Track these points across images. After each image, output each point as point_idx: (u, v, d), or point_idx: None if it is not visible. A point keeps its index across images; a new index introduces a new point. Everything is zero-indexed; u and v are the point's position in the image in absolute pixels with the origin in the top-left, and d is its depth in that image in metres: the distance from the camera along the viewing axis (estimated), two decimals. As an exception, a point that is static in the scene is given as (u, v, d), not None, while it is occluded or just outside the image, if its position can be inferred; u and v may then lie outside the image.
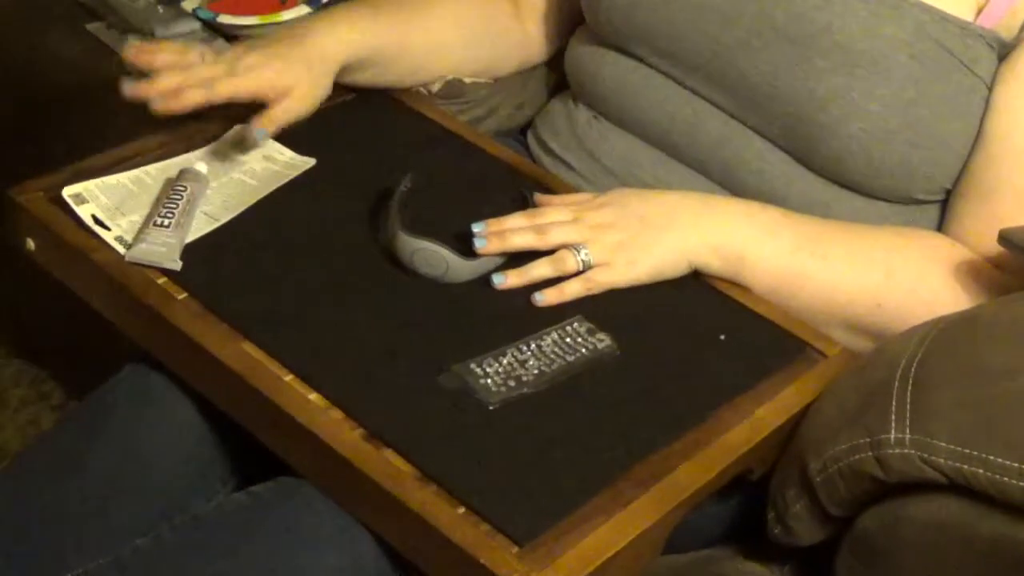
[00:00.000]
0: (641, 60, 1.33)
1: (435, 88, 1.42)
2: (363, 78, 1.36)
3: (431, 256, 1.14)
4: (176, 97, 1.19)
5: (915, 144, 1.20)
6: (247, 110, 1.31)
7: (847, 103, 1.19)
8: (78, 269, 1.17)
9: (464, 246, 1.15)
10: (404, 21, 1.37)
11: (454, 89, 1.43)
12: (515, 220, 1.18)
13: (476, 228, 1.16)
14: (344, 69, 1.31)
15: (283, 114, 1.24)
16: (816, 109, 1.20)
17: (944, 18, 1.17)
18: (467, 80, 1.44)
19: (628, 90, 1.34)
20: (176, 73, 1.20)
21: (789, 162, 1.27)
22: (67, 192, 1.19)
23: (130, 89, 1.19)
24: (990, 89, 1.19)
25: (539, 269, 1.15)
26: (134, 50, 1.24)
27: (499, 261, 1.16)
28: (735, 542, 1.22)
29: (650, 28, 1.29)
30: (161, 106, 1.19)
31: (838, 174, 1.24)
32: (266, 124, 1.23)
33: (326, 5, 1.56)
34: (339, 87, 1.41)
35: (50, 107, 1.61)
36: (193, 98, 1.19)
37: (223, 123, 1.32)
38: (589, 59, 1.39)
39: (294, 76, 1.24)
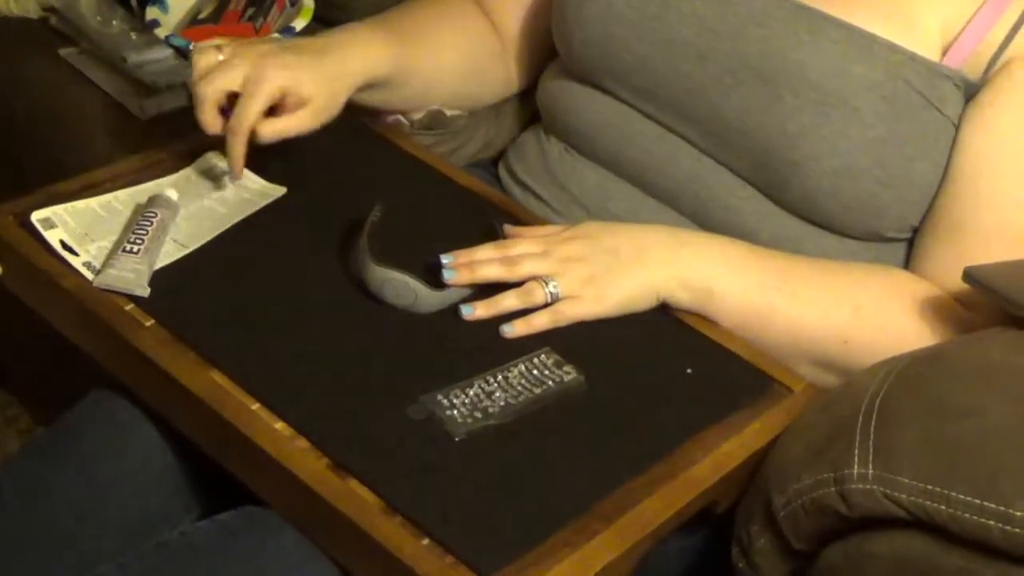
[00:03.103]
0: (614, 95, 1.34)
1: (417, 117, 1.42)
2: (374, 99, 1.35)
3: (400, 286, 1.14)
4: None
5: (884, 182, 1.21)
6: (219, 138, 1.32)
7: (818, 141, 1.20)
8: (46, 294, 1.16)
9: (433, 276, 1.15)
10: (417, 45, 1.36)
11: (436, 120, 1.43)
12: (484, 251, 1.18)
13: (445, 259, 1.16)
14: (360, 87, 1.31)
15: (293, 125, 1.23)
16: (787, 146, 1.21)
17: (912, 58, 1.19)
18: (448, 113, 1.44)
19: (600, 124, 1.35)
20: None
21: (760, 198, 1.27)
22: (35, 216, 1.18)
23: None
24: (957, 129, 1.20)
25: (507, 301, 1.16)
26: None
27: (467, 292, 1.17)
28: (700, 576, 1.22)
29: (624, 65, 1.30)
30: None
31: (808, 211, 1.25)
32: (270, 134, 1.22)
33: (299, 34, 1.56)
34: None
35: (23, 132, 1.60)
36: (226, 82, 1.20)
37: (194, 150, 1.32)
38: (562, 93, 1.39)
39: (316, 88, 1.23)
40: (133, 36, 1.57)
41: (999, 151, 1.18)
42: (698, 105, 1.27)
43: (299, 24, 1.56)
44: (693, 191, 1.30)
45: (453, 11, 1.45)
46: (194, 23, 1.59)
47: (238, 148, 1.19)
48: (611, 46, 1.30)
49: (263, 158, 1.30)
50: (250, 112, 1.19)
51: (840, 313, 1.18)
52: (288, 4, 1.60)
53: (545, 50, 1.45)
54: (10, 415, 1.97)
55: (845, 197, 1.22)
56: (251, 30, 1.56)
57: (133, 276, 1.13)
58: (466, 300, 1.16)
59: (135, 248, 1.15)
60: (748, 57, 1.23)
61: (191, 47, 1.53)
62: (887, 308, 1.19)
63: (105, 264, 1.15)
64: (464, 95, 1.47)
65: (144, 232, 1.17)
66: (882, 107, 1.19)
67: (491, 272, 1.16)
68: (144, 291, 1.13)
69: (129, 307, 1.12)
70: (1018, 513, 0.89)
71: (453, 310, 1.15)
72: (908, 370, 1.03)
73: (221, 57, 1.21)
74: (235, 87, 1.20)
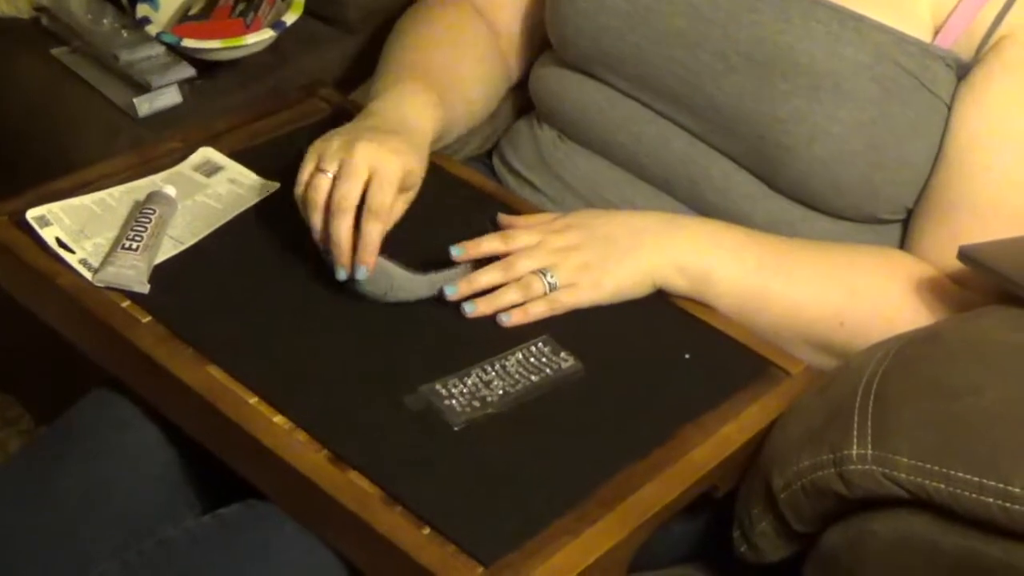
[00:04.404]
0: (606, 83, 1.34)
1: None
2: None
3: (378, 271, 1.13)
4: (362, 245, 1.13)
5: (878, 164, 1.21)
6: (213, 134, 1.32)
7: (810, 125, 1.20)
8: (42, 293, 1.17)
9: (420, 266, 1.15)
10: (452, 94, 1.32)
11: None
12: (489, 242, 1.18)
13: (449, 291, 1.15)
14: None
15: (403, 209, 1.19)
16: (779, 131, 1.21)
17: (903, 39, 1.19)
18: None
19: (593, 111, 1.35)
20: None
21: (754, 182, 1.27)
22: (31, 214, 1.18)
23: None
24: (949, 109, 1.20)
25: (508, 295, 1.15)
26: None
27: (449, 278, 1.16)
28: (701, 560, 1.22)
29: (616, 53, 1.30)
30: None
31: (802, 194, 1.25)
32: (399, 213, 1.18)
33: (289, 29, 1.56)
34: (305, 109, 1.42)
35: (16, 132, 1.60)
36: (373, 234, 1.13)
37: (187, 146, 1.32)
38: (555, 81, 1.39)
39: (422, 166, 1.20)
40: (124, 34, 1.57)
41: (992, 129, 1.18)
42: (691, 92, 1.27)
43: (289, 18, 1.56)
44: (687, 175, 1.30)
45: (463, 33, 1.42)
46: (185, 19, 1.58)
47: (378, 234, 1.12)
48: (604, 37, 1.30)
49: (257, 154, 1.31)
50: (388, 197, 1.14)
51: (836, 295, 1.19)
52: (279, -2, 1.60)
53: (539, 42, 1.45)
54: (11, 416, 1.97)
55: (838, 180, 1.22)
56: (241, 25, 1.56)
57: (133, 273, 1.13)
58: (447, 286, 1.16)
59: (134, 245, 1.15)
60: (739, 43, 1.23)
61: (184, 43, 1.53)
62: (883, 289, 1.19)
63: (104, 261, 1.15)
64: (480, 116, 1.45)
65: (143, 229, 1.17)
66: (873, 89, 1.19)
67: (489, 280, 1.16)
68: (144, 288, 1.13)
69: (126, 304, 1.12)
70: (1017, 490, 0.89)
71: (450, 303, 1.15)
72: (905, 350, 1.03)
73: (330, 174, 1.14)
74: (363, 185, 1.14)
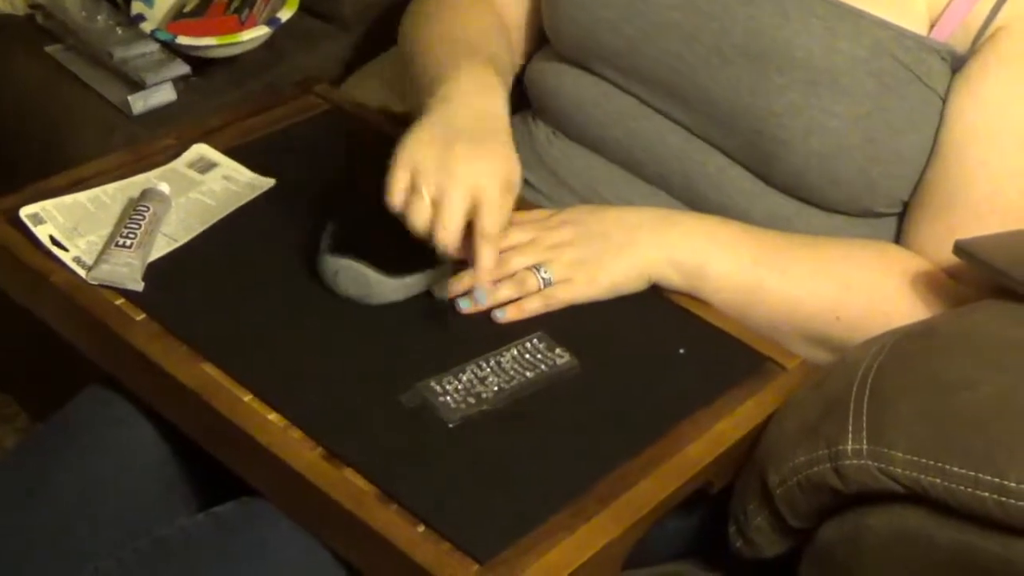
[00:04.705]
0: (602, 77, 1.33)
1: None
2: None
3: (356, 275, 1.13)
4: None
5: (874, 158, 1.20)
6: (207, 131, 1.32)
7: (806, 119, 1.19)
8: (36, 291, 1.16)
9: (395, 265, 1.15)
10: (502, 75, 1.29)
11: None
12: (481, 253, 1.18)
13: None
14: None
15: (510, 211, 1.14)
16: (775, 125, 1.21)
17: (900, 33, 1.18)
18: None
19: (588, 106, 1.34)
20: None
21: (750, 177, 1.27)
22: (24, 212, 1.18)
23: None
24: (944, 102, 1.20)
25: (502, 292, 1.15)
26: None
27: (430, 282, 1.16)
28: (698, 556, 1.22)
29: (611, 47, 1.30)
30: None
31: (798, 189, 1.25)
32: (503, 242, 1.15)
33: (284, 25, 1.56)
34: (300, 105, 1.41)
35: (10, 130, 1.60)
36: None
37: (181, 144, 1.32)
38: (550, 75, 1.39)
39: (518, 174, 1.16)
40: (119, 31, 1.57)
41: (987, 122, 1.18)
42: (687, 86, 1.26)
43: (285, 15, 1.56)
44: (682, 171, 1.30)
45: (489, 19, 1.41)
46: (179, 16, 1.59)
47: (494, 256, 1.12)
48: (600, 29, 1.30)
49: (252, 151, 1.30)
50: (499, 219, 1.11)
51: (831, 290, 1.18)
52: (273, -5, 1.60)
53: (539, 38, 1.45)
54: (7, 413, 1.97)
55: (834, 174, 1.21)
56: (236, 22, 1.56)
57: (127, 270, 1.13)
58: (430, 288, 1.15)
59: (128, 242, 1.15)
60: (735, 36, 1.22)
61: (179, 40, 1.53)
62: (879, 284, 1.19)
63: (98, 259, 1.15)
64: None
65: (137, 226, 1.17)
66: (870, 84, 1.18)
67: (484, 277, 1.15)
68: (138, 285, 1.13)
69: (119, 302, 1.12)
70: (1012, 484, 0.89)
71: (438, 298, 1.15)
72: (900, 345, 1.03)
73: (427, 199, 1.10)
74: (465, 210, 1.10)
